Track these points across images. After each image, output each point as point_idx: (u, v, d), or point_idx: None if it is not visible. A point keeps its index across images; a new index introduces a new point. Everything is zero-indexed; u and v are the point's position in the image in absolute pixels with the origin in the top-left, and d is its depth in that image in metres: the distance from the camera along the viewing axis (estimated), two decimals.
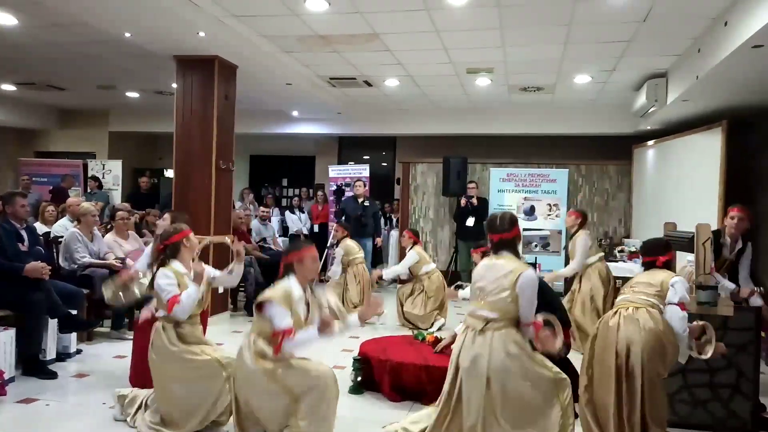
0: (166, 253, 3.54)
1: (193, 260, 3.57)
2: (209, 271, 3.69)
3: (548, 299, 4.14)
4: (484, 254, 5.48)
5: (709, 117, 7.69)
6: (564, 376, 3.01)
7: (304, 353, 3.14)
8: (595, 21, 5.69)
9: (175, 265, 3.51)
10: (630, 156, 9.74)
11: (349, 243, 7.20)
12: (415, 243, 6.76)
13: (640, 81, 7.92)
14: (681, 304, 3.17)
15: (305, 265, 3.19)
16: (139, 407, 3.56)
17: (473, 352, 3.00)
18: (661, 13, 5.39)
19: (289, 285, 3.13)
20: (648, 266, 3.49)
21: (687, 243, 4.00)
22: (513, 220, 3.21)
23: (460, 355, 3.08)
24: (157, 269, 3.50)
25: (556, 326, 3.08)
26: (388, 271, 7.04)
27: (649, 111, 7.97)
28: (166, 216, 4.53)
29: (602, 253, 6.10)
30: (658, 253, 3.48)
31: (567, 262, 6.22)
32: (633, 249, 7.56)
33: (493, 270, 3.09)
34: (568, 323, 4.29)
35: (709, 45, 5.71)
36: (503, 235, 3.16)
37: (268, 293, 3.10)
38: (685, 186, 7.89)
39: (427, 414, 3.40)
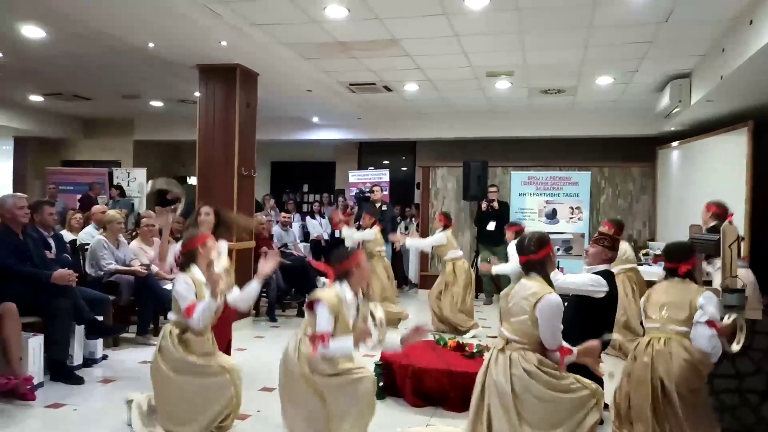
0: (184, 259, 3.56)
1: (209, 267, 3.45)
2: (227, 287, 3.63)
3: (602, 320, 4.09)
4: (517, 234, 5.63)
5: (734, 117, 7.55)
6: (591, 390, 2.99)
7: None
8: (615, 23, 5.64)
9: (195, 271, 3.54)
10: (654, 158, 9.60)
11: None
12: (446, 226, 6.79)
13: (663, 82, 7.82)
14: (709, 323, 3.14)
15: (361, 270, 3.16)
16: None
17: (496, 371, 3.01)
18: (683, 14, 5.32)
19: (342, 290, 3.11)
20: (670, 273, 3.45)
21: (713, 246, 3.93)
22: (542, 241, 3.15)
23: (487, 373, 3.08)
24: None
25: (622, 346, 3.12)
26: (412, 242, 7.07)
27: (673, 112, 7.86)
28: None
29: (632, 264, 6.03)
30: (680, 259, 3.42)
31: None
32: (658, 252, 7.46)
33: (520, 291, 3.08)
34: (606, 345, 4.25)
35: (733, 44, 5.62)
36: (530, 257, 3.13)
37: (321, 294, 3.08)
38: (711, 187, 7.74)
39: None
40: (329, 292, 3.09)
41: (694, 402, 3.16)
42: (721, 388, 3.71)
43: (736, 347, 3.22)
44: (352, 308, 3.12)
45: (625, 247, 5.89)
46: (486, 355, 3.21)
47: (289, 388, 3.10)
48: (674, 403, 3.12)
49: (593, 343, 3.07)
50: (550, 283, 3.10)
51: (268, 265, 3.45)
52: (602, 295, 3.73)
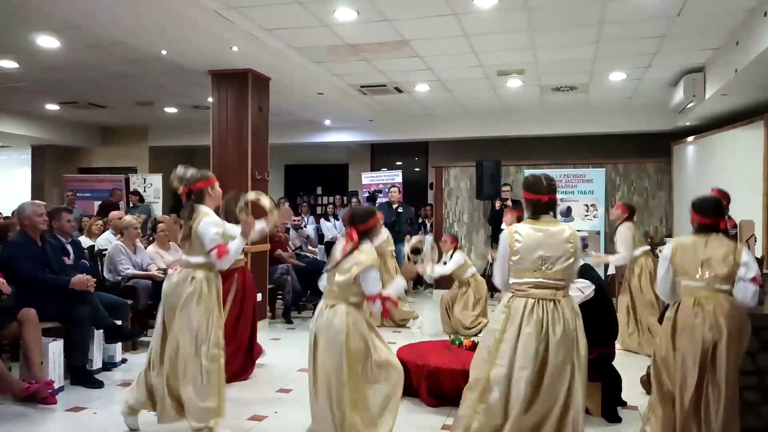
0: (191, 198, 3.53)
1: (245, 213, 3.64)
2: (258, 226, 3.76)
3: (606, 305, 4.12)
4: (518, 219, 5.67)
5: (750, 111, 7.47)
6: None
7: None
8: (626, 18, 5.60)
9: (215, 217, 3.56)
10: (669, 153, 9.52)
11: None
12: (455, 248, 6.76)
13: (676, 76, 7.75)
14: (754, 279, 3.09)
15: (380, 225, 3.41)
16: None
17: (560, 323, 2.91)
18: (695, 7, 5.27)
19: (371, 247, 3.24)
20: (708, 229, 3.25)
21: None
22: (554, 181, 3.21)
23: (549, 329, 2.90)
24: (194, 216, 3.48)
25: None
26: (438, 270, 6.91)
27: (688, 107, 7.79)
28: None
29: (647, 247, 6.05)
30: (719, 214, 3.26)
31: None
32: None
33: (552, 236, 3.01)
34: (614, 337, 4.22)
35: (747, 37, 5.56)
36: (552, 196, 3.12)
37: (363, 259, 3.15)
38: (728, 182, 7.63)
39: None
40: (368, 254, 3.19)
41: (734, 379, 3.07)
42: (742, 385, 3.67)
43: None
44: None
45: (627, 231, 5.88)
46: (530, 314, 2.96)
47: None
48: (720, 378, 3.00)
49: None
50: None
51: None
52: (593, 292, 3.91)
